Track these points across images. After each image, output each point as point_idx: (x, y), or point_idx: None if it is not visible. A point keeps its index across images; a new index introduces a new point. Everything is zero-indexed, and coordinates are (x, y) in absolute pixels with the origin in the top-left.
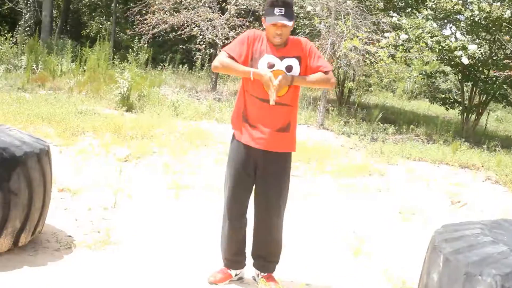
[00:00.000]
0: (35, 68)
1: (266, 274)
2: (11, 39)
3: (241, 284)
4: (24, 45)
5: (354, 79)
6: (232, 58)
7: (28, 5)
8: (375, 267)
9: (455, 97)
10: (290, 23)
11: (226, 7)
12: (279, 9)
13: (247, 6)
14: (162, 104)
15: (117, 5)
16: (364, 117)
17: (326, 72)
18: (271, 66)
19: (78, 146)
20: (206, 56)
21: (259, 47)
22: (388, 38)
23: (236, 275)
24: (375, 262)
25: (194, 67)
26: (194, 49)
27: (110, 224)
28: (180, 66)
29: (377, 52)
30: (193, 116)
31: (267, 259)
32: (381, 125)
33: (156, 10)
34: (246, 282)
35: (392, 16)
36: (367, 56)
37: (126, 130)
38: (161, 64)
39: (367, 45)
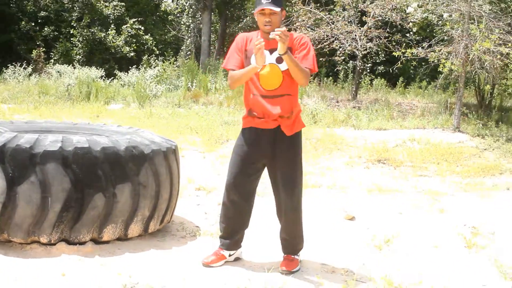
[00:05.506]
0: (191, 86)
1: (285, 255)
2: (174, 63)
3: (237, 264)
4: (185, 68)
5: (491, 82)
6: (235, 70)
7: (189, 31)
8: (487, 258)
9: None
10: (277, 9)
11: (365, 19)
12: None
13: (383, 18)
14: (302, 113)
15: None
16: (503, 119)
17: (306, 69)
18: None
19: (220, 152)
20: (349, 67)
21: (250, 46)
22: None
23: (230, 255)
24: (487, 254)
25: (338, 79)
26: (338, 62)
27: None
28: (325, 78)
29: (509, 53)
30: (330, 123)
31: (284, 238)
32: None
33: (298, 26)
34: (242, 262)
35: None
36: (500, 57)
37: None
38: None
39: (500, 46)
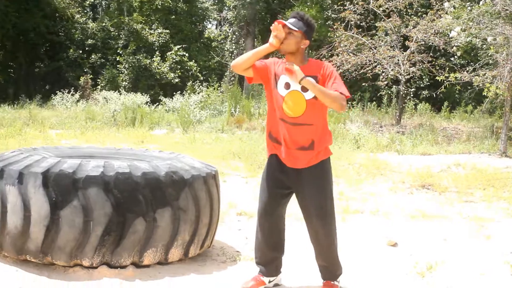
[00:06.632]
0: (234, 112)
1: (324, 281)
2: (218, 89)
3: None
4: (229, 93)
5: None
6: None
7: (233, 57)
8: None
9: None
10: (295, 28)
11: (407, 44)
12: (290, 19)
13: (426, 43)
14: (345, 138)
15: (310, 51)
16: None
17: (340, 94)
18: (287, 86)
19: None
20: (393, 92)
21: (278, 69)
22: None
23: (270, 281)
24: None
25: (382, 103)
26: (382, 87)
27: None
28: (369, 103)
29: None
30: (373, 148)
31: (322, 264)
32: None
33: (340, 52)
34: None
35: None
36: None
37: None
38: (350, 102)
39: None
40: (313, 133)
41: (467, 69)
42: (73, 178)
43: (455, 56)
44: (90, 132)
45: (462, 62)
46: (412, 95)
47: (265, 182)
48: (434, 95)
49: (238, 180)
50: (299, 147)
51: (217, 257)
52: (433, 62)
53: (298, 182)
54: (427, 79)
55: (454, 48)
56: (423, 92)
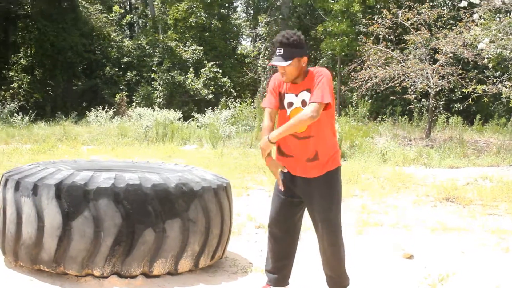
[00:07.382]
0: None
1: None
2: (251, 104)
3: None
4: (260, 108)
5: None
6: (271, 109)
7: (265, 72)
8: None
9: None
10: (284, 64)
11: (437, 57)
12: (279, 50)
13: (458, 56)
14: (371, 152)
15: (342, 65)
16: None
17: (310, 104)
18: (290, 105)
19: None
20: (424, 106)
21: (283, 89)
22: None
23: None
24: None
25: (413, 117)
26: (412, 100)
27: None
28: (400, 117)
29: None
30: (400, 162)
31: (328, 275)
32: None
33: (369, 66)
34: None
35: None
36: None
37: None
38: (381, 116)
39: None
40: (315, 145)
41: (501, 81)
42: (84, 190)
43: (489, 69)
44: (121, 147)
45: (496, 74)
46: (442, 108)
47: (276, 191)
48: (462, 108)
49: (261, 194)
50: (307, 159)
51: (229, 268)
52: (463, 75)
53: (307, 191)
54: (459, 92)
55: (485, 60)
56: (455, 105)
